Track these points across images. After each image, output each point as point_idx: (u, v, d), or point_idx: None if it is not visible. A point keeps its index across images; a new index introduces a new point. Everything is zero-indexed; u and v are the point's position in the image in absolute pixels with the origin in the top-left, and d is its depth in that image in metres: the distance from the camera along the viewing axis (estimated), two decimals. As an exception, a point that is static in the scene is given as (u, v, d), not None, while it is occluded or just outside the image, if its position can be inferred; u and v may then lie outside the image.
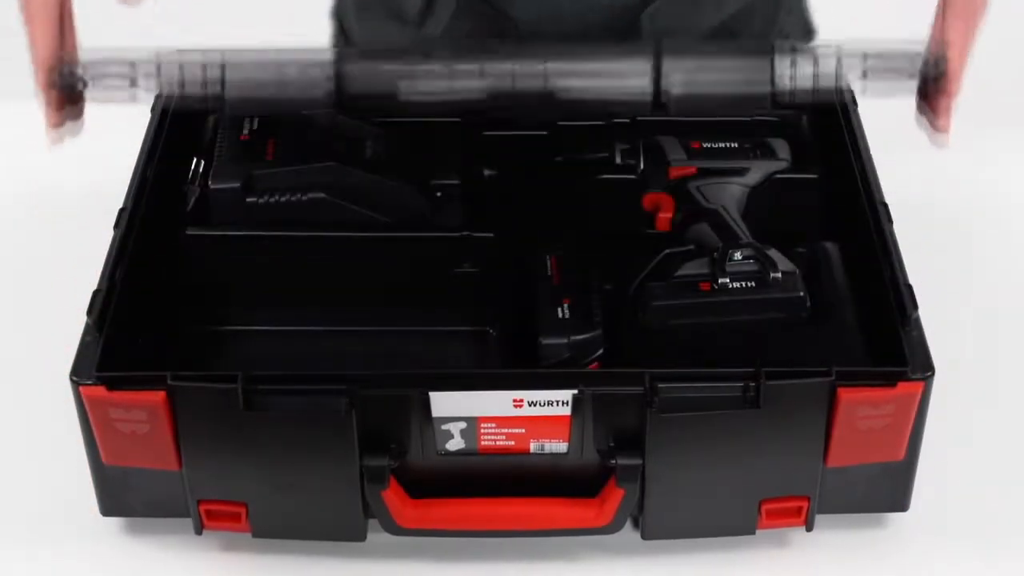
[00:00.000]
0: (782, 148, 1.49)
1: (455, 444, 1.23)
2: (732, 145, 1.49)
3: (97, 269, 1.28)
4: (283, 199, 1.37)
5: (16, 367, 1.47)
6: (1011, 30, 1.95)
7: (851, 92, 1.47)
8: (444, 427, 1.21)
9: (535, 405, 1.20)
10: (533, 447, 1.23)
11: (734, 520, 1.28)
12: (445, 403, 1.20)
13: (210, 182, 1.38)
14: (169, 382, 1.18)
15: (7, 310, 1.55)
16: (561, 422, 1.21)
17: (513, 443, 1.23)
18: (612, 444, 1.22)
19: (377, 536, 1.27)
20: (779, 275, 1.33)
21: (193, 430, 1.20)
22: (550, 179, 1.47)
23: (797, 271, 1.34)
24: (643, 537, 1.29)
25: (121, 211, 1.33)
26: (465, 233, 1.39)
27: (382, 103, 1.30)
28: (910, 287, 1.25)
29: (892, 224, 1.33)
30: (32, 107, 1.80)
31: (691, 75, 1.29)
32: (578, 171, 1.47)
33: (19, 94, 1.86)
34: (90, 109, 1.78)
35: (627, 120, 1.51)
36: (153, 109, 1.47)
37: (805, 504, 1.26)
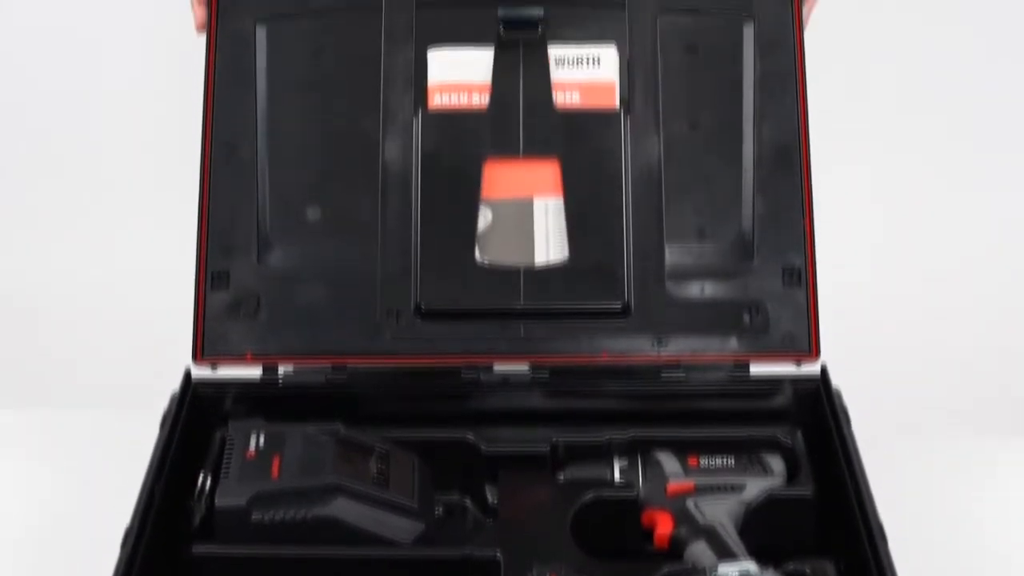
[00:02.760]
0: (777, 463, 1.52)
1: None
2: (729, 462, 1.51)
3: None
4: (288, 517, 1.39)
5: None
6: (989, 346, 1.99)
7: (845, 411, 1.52)
8: None
9: None
10: None
11: None
12: None
13: (216, 500, 1.40)
14: None
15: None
16: None
17: None
18: None
19: None
20: (777, 594, 1.34)
21: None
22: (551, 497, 1.49)
23: (795, 590, 1.36)
24: None
25: (127, 531, 1.35)
26: (467, 552, 1.40)
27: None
28: (906, 608, 1.26)
29: (887, 542, 1.34)
30: (39, 417, 1.86)
31: None
32: (578, 488, 1.49)
33: (23, 403, 1.92)
34: (100, 418, 1.84)
35: (626, 438, 1.54)
36: (162, 425, 1.50)
37: None
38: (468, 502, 1.55)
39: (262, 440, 1.47)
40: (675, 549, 1.45)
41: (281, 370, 1.59)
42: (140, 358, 1.91)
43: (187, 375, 1.57)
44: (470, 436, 1.55)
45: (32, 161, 2.18)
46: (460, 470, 1.54)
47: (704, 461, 1.52)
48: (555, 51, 1.60)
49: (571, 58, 1.60)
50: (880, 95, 2.25)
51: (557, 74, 1.60)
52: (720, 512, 1.47)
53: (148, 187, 2.06)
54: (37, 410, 1.88)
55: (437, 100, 1.60)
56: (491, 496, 1.52)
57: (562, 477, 1.52)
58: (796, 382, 1.58)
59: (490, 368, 1.58)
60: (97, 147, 2.18)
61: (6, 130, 2.24)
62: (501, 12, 1.60)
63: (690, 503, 1.48)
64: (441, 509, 1.51)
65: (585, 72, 1.60)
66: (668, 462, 1.51)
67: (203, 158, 1.60)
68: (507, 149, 1.59)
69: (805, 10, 1.62)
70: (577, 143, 1.58)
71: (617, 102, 1.60)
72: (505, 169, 1.59)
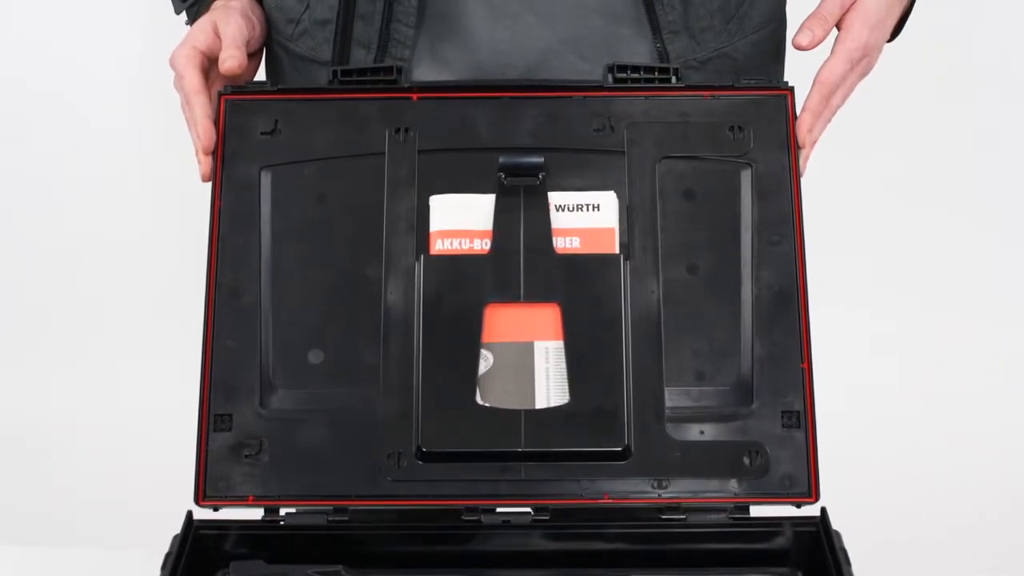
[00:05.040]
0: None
1: None
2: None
3: None
4: None
5: None
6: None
7: (844, 552, 1.52)
8: None
9: None
10: None
11: None
12: None
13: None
14: None
15: None
16: None
17: None
18: None
19: None
20: None
21: None
22: None
23: None
24: None
25: None
26: None
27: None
28: None
29: None
30: (40, 555, 1.86)
31: None
32: None
33: (24, 541, 1.91)
34: (101, 558, 1.84)
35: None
36: (163, 566, 1.50)
37: None
38: None
39: (263, 605, 1.47)
40: None
41: (283, 511, 1.60)
42: (142, 498, 1.91)
43: (189, 517, 1.58)
44: (471, 578, 1.55)
45: (38, 302, 2.20)
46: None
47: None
48: (555, 197, 1.63)
49: (571, 204, 1.63)
50: (876, 238, 2.27)
51: (557, 220, 1.63)
52: None
53: (153, 328, 2.07)
54: (38, 549, 1.88)
55: (439, 246, 1.62)
56: (492, 638, 1.52)
57: None
58: (796, 523, 1.59)
59: (492, 510, 1.58)
60: (103, 288, 2.20)
61: (17, 272, 2.26)
62: (502, 160, 1.63)
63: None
64: None
65: (585, 218, 1.63)
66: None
67: (206, 301, 1.62)
68: (508, 293, 1.61)
69: (802, 156, 1.65)
70: (577, 288, 1.60)
71: (617, 247, 1.62)
72: (506, 313, 1.61)
